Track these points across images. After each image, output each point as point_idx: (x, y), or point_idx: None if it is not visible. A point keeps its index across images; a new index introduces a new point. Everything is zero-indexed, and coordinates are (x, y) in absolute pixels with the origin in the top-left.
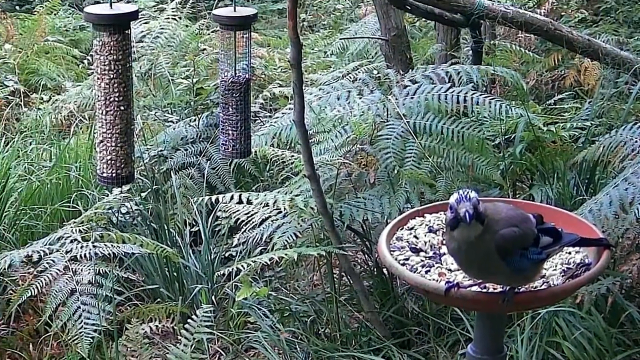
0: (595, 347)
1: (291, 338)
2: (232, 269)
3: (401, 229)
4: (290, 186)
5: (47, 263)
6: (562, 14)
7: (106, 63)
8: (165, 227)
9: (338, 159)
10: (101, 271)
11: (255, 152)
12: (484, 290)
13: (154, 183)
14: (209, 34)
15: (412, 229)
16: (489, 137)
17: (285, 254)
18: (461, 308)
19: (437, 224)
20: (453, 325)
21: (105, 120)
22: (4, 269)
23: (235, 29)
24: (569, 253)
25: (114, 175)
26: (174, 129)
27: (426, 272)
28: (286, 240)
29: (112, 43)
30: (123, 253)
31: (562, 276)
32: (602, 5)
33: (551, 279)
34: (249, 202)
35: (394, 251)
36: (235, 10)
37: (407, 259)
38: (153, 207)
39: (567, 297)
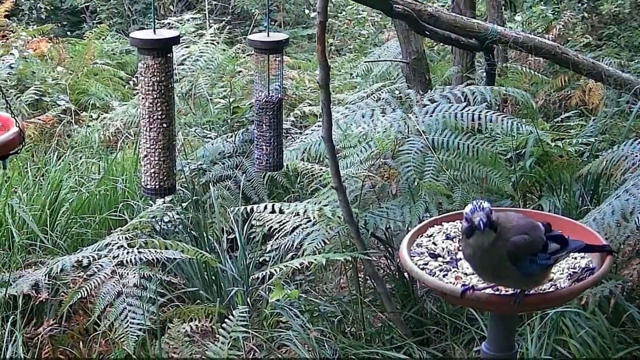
0: (599, 344)
1: (320, 336)
2: (266, 273)
3: (421, 236)
4: (319, 197)
5: (96, 267)
6: (569, 39)
7: (150, 84)
8: (205, 235)
9: (363, 172)
10: (145, 275)
11: (287, 165)
12: (497, 292)
13: (194, 194)
14: (244, 57)
15: (431, 236)
16: (501, 152)
17: (315, 259)
18: (476, 309)
19: (454, 232)
20: (468, 324)
21: (149, 136)
22: (57, 273)
23: (268, 53)
24: (575, 258)
25: (157, 187)
26: (212, 144)
27: (444, 275)
28: (315, 247)
29: (155, 66)
30: (166, 258)
31: (569, 279)
32: (605, 31)
33: (558, 282)
34: (281, 211)
35: (414, 256)
36: (268, 36)
37: (426, 264)
38: (193, 216)
39: (573, 298)
